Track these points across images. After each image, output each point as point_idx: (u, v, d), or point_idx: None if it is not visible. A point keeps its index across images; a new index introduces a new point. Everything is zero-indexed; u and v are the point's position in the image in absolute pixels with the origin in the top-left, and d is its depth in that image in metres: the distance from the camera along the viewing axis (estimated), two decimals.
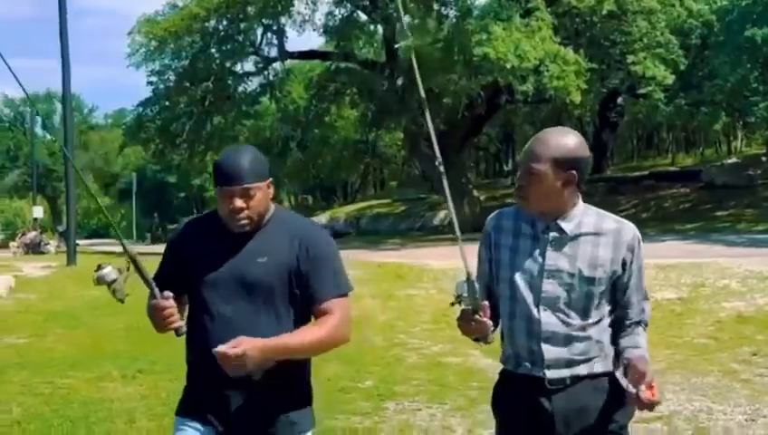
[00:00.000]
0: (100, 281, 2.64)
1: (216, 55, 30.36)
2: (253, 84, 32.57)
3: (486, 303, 2.50)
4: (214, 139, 31.83)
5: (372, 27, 30.46)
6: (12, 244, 38.43)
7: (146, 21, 30.21)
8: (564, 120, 46.24)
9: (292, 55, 32.44)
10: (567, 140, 2.55)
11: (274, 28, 30.45)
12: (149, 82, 31.75)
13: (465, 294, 2.47)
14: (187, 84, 30.87)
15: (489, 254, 2.72)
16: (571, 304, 2.57)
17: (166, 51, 30.45)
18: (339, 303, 2.68)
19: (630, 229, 2.63)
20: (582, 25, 26.13)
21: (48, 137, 79.78)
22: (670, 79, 23.82)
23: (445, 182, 2.66)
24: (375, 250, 21.10)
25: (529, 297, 2.59)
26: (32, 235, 36.79)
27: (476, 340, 2.63)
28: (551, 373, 2.57)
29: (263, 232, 2.68)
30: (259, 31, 31.00)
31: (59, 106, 60.42)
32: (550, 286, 2.57)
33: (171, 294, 2.59)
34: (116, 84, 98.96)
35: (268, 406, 2.64)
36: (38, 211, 42.42)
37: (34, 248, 34.57)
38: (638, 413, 2.66)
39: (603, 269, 2.57)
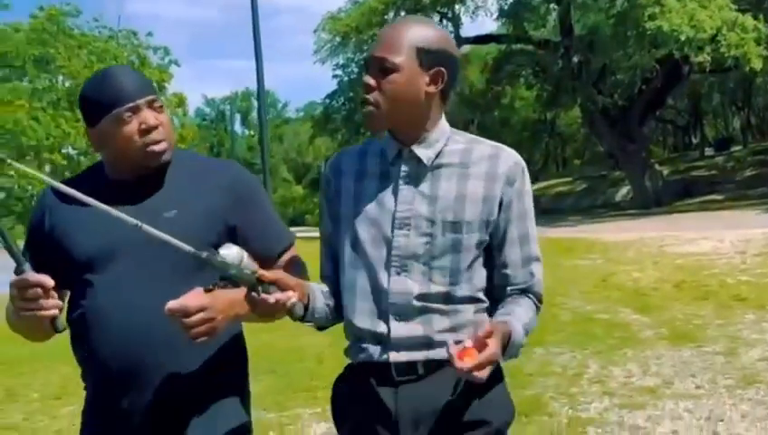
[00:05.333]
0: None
1: None
2: None
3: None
4: None
5: (545, 8, 30.83)
6: None
7: (329, 19, 32.29)
8: (755, 89, 44.39)
9: (468, 40, 33.39)
10: (432, 29, 1.89)
11: (449, 15, 31.56)
12: (335, 76, 34.19)
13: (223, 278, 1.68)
14: None
15: (329, 208, 2.01)
16: (432, 264, 1.86)
17: (349, 45, 32.39)
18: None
19: (511, 156, 1.91)
20: None
21: (247, 133, 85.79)
22: None
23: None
24: (552, 227, 21.61)
25: (375, 259, 1.88)
26: None
27: (302, 320, 1.84)
28: (397, 356, 1.85)
29: (162, 178, 2.01)
30: (435, 19, 32.21)
31: (256, 103, 65.46)
32: (403, 240, 1.86)
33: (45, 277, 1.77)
34: (305, 79, 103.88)
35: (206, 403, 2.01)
36: None
37: None
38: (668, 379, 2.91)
39: (473, 211, 1.86)
